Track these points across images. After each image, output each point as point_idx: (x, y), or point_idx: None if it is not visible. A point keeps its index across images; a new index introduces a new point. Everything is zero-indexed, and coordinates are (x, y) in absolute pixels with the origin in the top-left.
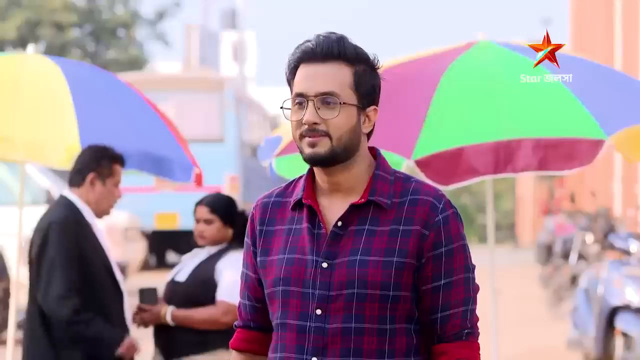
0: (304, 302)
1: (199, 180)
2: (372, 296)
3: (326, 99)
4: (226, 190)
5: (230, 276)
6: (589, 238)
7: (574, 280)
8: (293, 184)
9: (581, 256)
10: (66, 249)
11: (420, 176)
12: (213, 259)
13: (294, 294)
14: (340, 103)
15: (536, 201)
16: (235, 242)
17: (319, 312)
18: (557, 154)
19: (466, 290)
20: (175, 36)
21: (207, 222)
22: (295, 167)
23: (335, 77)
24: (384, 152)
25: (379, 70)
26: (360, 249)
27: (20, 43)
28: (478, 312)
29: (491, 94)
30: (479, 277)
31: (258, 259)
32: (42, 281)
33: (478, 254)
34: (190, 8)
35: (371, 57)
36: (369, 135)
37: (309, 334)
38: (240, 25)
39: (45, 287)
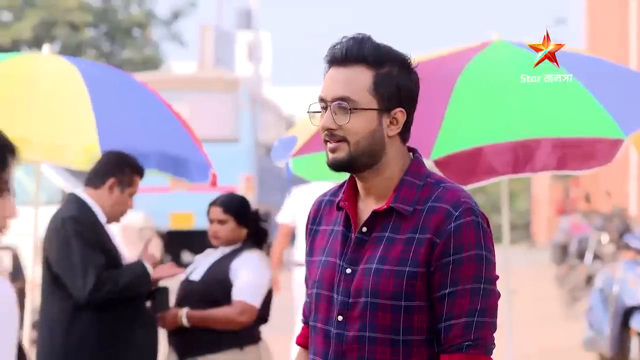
0: (331, 307)
1: (214, 181)
2: (384, 306)
3: (342, 104)
4: (241, 191)
5: (246, 276)
6: (604, 238)
7: (589, 280)
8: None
9: (596, 256)
10: (86, 239)
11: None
12: (227, 259)
13: (324, 297)
14: (350, 109)
15: (551, 201)
16: (249, 242)
17: (340, 318)
18: (576, 153)
19: (473, 301)
20: (190, 36)
21: (221, 222)
22: (312, 167)
23: (352, 81)
24: None
25: (411, 69)
26: (377, 257)
27: (36, 43)
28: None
29: (509, 94)
30: None
31: (306, 258)
32: (77, 277)
33: None
34: (205, 8)
35: (400, 57)
36: (403, 137)
37: (331, 339)
38: (255, 25)
39: (83, 284)
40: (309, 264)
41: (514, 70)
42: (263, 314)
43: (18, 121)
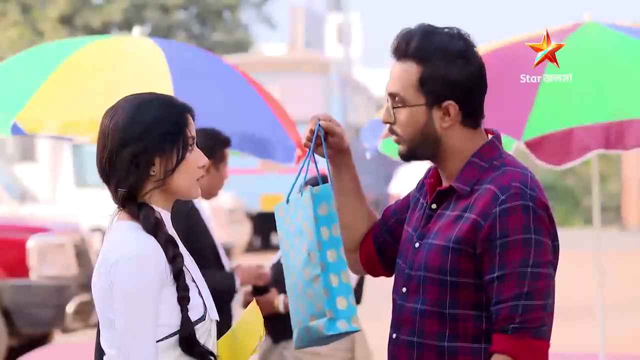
0: (400, 278)
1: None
2: (432, 279)
3: (394, 100)
4: None
5: None
6: None
7: None
8: None
9: None
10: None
11: (530, 157)
12: None
13: (399, 267)
14: (400, 105)
15: None
16: None
17: (404, 290)
18: None
19: (519, 285)
20: (280, 18)
21: None
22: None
23: (402, 77)
24: None
25: (466, 60)
26: (433, 233)
27: (126, 25)
28: (582, 293)
29: (600, 75)
30: (584, 260)
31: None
32: None
33: (583, 237)
34: None
35: (450, 49)
36: (470, 123)
37: (395, 309)
38: (345, 7)
39: None
40: (403, 232)
41: (606, 51)
42: (355, 296)
43: (102, 102)
